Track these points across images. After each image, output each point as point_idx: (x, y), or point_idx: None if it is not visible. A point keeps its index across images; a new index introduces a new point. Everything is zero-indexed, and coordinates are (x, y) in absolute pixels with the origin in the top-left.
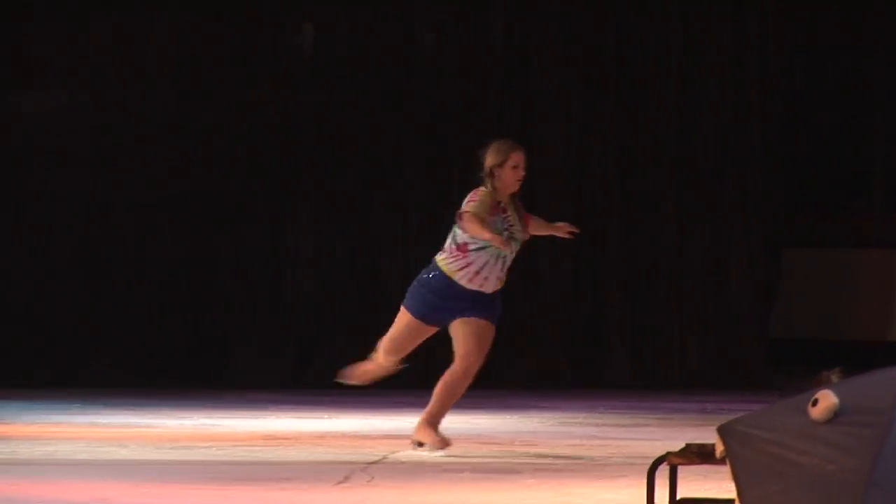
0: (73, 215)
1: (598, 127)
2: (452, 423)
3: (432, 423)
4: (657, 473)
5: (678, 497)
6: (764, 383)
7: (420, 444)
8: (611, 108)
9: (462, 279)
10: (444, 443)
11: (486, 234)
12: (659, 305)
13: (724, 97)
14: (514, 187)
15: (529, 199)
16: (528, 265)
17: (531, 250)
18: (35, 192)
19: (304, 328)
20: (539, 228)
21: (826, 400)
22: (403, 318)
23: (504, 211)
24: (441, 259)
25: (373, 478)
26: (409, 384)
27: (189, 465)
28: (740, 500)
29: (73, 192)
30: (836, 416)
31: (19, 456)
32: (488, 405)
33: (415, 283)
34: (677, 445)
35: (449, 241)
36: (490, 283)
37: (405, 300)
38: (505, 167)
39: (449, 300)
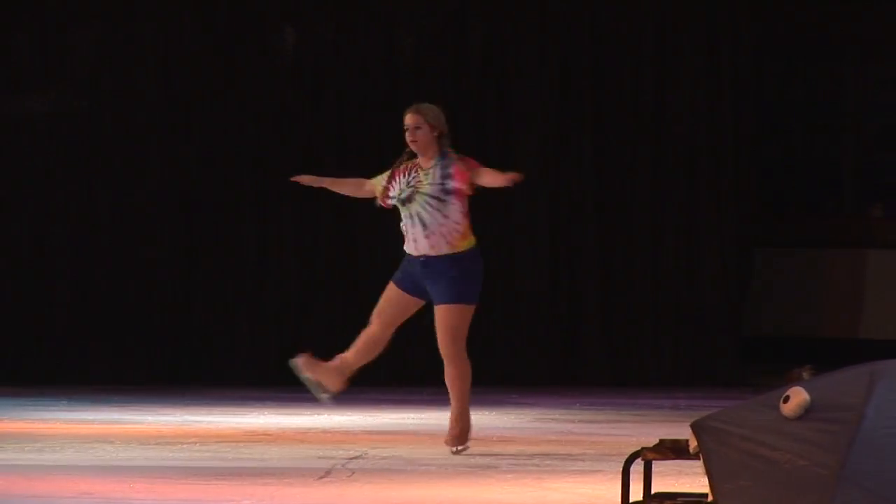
0: (60, 215)
1: (574, 129)
2: (429, 419)
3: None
4: (632, 468)
5: (653, 491)
6: (737, 381)
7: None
8: (586, 110)
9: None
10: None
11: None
12: (634, 304)
13: (696, 100)
14: (411, 147)
15: (507, 200)
16: (505, 264)
17: (509, 249)
18: (23, 193)
19: (287, 325)
20: (491, 180)
21: (797, 396)
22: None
23: (415, 171)
24: None
25: (353, 473)
26: (387, 382)
27: (173, 461)
28: (713, 495)
29: (60, 192)
30: (807, 413)
31: (6, 452)
32: None
33: None
34: (652, 441)
35: None
36: (413, 244)
37: None
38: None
39: (407, 267)
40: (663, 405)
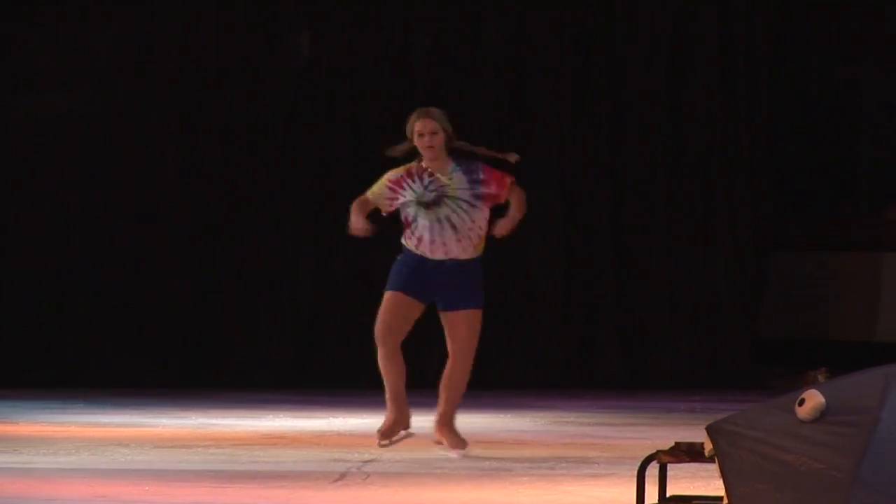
0: (77, 216)
1: (591, 131)
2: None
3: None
4: (647, 472)
5: (668, 495)
6: (752, 383)
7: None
8: (602, 112)
9: (411, 246)
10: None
11: (351, 218)
12: (649, 307)
13: (712, 103)
14: (427, 154)
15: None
16: (521, 267)
17: (524, 252)
18: (38, 194)
19: (302, 329)
20: (516, 206)
21: (813, 399)
22: (386, 299)
23: (430, 175)
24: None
25: (368, 476)
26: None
27: (188, 464)
28: (728, 498)
29: (75, 194)
30: (822, 416)
31: (22, 455)
32: (481, 405)
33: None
34: (667, 444)
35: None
36: (441, 247)
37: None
38: (414, 137)
39: (414, 271)
40: (678, 408)
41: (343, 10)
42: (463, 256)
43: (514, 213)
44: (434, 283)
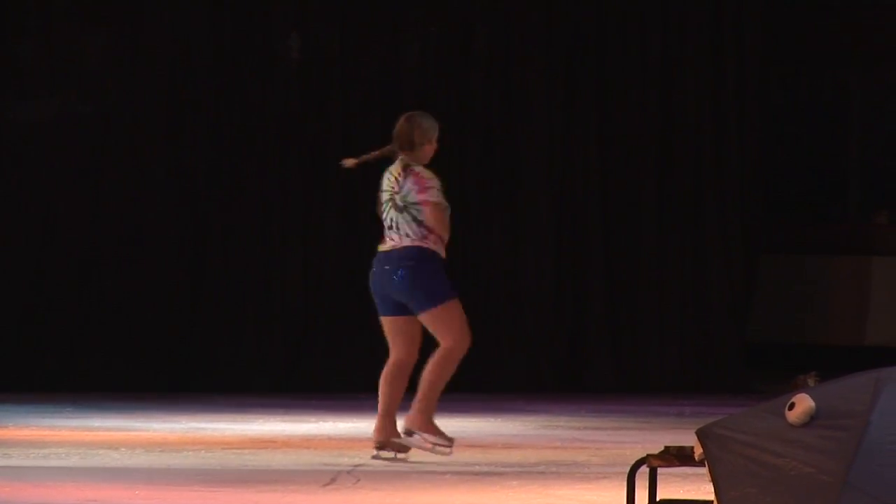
0: (66, 220)
1: (580, 135)
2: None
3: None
4: (637, 475)
5: (658, 498)
6: (741, 387)
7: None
8: (591, 116)
9: (438, 248)
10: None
11: (447, 234)
12: (639, 311)
13: (702, 108)
14: (427, 161)
15: (513, 207)
16: (510, 270)
17: (514, 255)
18: (27, 199)
19: (292, 332)
20: None
21: (803, 404)
22: (456, 304)
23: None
24: (416, 244)
25: (359, 480)
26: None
27: (179, 468)
28: (718, 502)
29: (65, 198)
30: (812, 420)
31: (12, 459)
32: (471, 409)
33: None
34: (657, 448)
35: (408, 227)
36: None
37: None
38: (432, 142)
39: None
40: (668, 412)
41: (333, 14)
42: None
43: None
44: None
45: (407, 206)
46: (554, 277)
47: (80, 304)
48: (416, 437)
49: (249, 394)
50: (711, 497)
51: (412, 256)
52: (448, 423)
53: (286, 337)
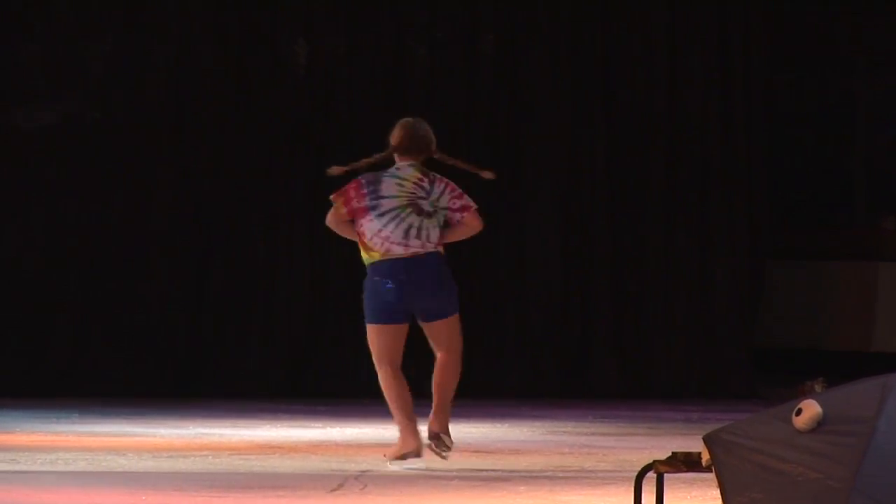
0: (71, 226)
1: (586, 140)
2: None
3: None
4: (644, 481)
5: None
6: (749, 393)
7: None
8: (598, 121)
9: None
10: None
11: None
12: (646, 316)
13: (708, 112)
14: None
15: (519, 211)
16: (516, 275)
17: (520, 260)
18: (31, 205)
19: (299, 338)
20: None
21: (810, 409)
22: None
23: None
24: (438, 249)
25: (366, 486)
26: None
27: (185, 473)
28: None
29: (70, 203)
30: (819, 426)
31: (18, 464)
32: (478, 414)
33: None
34: (664, 454)
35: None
36: None
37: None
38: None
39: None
40: (675, 418)
41: (339, 19)
42: None
43: None
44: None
45: (437, 210)
46: (560, 282)
47: (86, 310)
48: (445, 438)
49: (256, 399)
50: (718, 502)
51: (441, 261)
52: (455, 429)
53: (293, 342)
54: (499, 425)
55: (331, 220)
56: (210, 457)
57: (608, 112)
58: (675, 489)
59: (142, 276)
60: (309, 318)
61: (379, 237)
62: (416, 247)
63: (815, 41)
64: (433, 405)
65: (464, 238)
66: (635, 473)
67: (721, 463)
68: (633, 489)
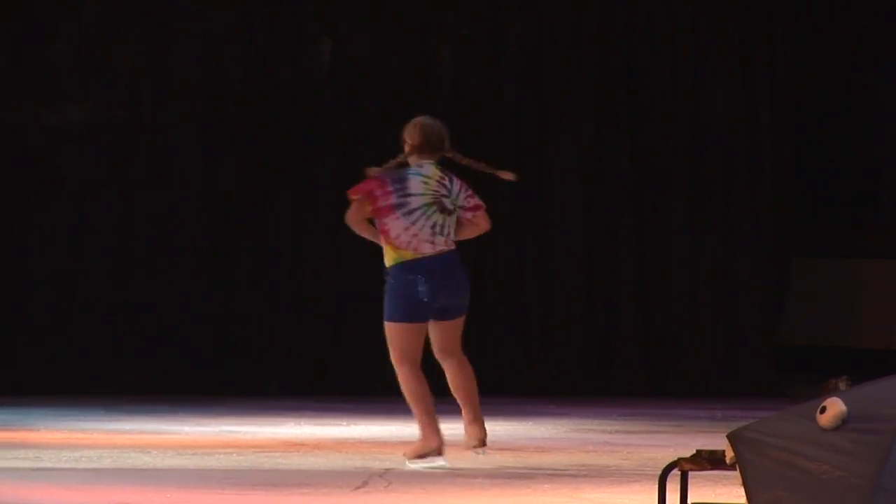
0: (98, 225)
1: (611, 139)
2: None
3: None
4: (668, 479)
5: (689, 502)
6: (773, 391)
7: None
8: (622, 120)
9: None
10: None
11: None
12: (671, 314)
13: (733, 110)
14: None
15: (543, 209)
16: (541, 274)
17: (544, 259)
18: (58, 203)
19: (324, 335)
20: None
21: (834, 407)
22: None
23: None
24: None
25: (390, 483)
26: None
27: (210, 471)
28: None
29: (97, 202)
30: (844, 423)
31: (44, 462)
32: (503, 412)
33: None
34: (688, 451)
35: (452, 230)
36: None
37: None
38: None
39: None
40: (700, 415)
41: (364, 17)
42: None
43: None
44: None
45: (455, 209)
46: (585, 280)
47: (112, 308)
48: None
49: (281, 396)
50: (743, 500)
51: (461, 260)
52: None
53: (317, 339)
54: (523, 423)
55: (353, 217)
56: (235, 454)
57: (632, 110)
58: (700, 487)
59: (167, 274)
60: (334, 315)
61: (406, 235)
62: (441, 245)
63: (840, 39)
64: (466, 414)
65: (472, 237)
66: (659, 471)
67: (745, 461)
68: (657, 487)
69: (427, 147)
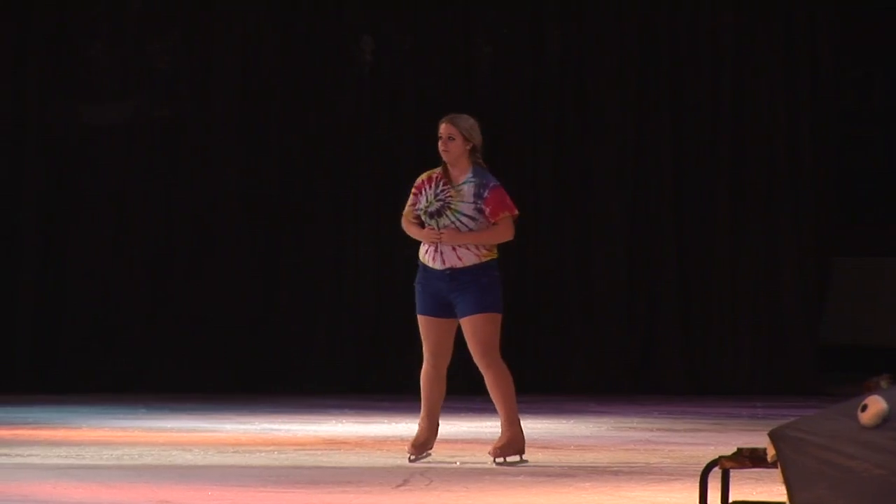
0: (138, 223)
1: (653, 138)
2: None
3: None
4: (710, 477)
5: (730, 500)
6: (814, 389)
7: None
8: (665, 119)
9: (421, 255)
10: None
11: (411, 231)
12: (712, 313)
13: (775, 110)
14: (443, 158)
15: (585, 211)
16: (583, 273)
17: (587, 259)
18: (98, 203)
19: (365, 334)
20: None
21: (875, 405)
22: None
23: (444, 183)
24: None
25: (431, 481)
26: (465, 391)
27: (251, 468)
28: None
29: (138, 201)
30: (885, 422)
31: (85, 459)
32: (544, 410)
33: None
34: (730, 450)
35: None
36: (440, 257)
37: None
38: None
39: (427, 290)
40: (741, 414)
41: (404, 16)
42: (460, 265)
43: (472, 236)
44: (441, 293)
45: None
46: (626, 279)
47: (153, 307)
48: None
49: (322, 395)
50: (784, 499)
51: None
52: (521, 424)
53: (359, 338)
54: (564, 421)
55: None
56: (275, 452)
57: (675, 111)
58: (741, 485)
59: (208, 272)
60: (375, 313)
61: None
62: None
63: (882, 38)
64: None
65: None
66: (701, 469)
67: (787, 459)
68: (698, 485)
69: (476, 145)
